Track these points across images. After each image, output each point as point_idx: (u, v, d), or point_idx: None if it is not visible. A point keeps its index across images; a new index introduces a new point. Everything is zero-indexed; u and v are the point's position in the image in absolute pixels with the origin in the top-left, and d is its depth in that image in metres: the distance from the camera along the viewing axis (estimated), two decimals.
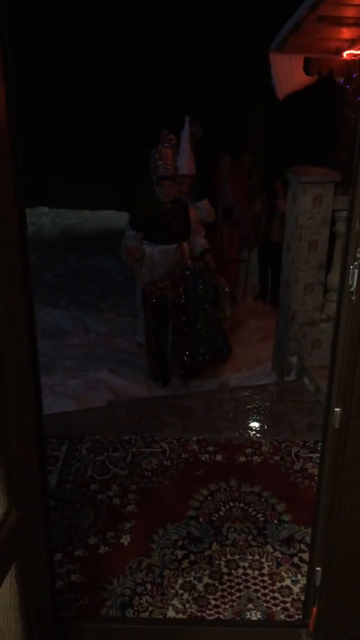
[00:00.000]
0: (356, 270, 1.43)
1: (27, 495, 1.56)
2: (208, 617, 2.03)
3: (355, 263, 1.43)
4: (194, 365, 4.47)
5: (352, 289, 1.44)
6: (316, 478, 2.33)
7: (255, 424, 3.58)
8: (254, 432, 3.43)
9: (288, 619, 2.03)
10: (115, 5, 9.29)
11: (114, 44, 9.86)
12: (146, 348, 4.60)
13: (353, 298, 1.45)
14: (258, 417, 3.70)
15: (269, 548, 2.34)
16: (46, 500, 1.75)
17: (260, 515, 2.53)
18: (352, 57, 4.16)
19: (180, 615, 2.03)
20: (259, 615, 2.04)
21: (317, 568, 1.80)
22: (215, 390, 4.45)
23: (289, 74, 4.15)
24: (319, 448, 2.92)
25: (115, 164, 10.04)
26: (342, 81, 4.78)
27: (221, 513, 2.54)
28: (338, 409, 1.59)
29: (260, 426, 3.55)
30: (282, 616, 2.04)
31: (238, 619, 2.04)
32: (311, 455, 2.93)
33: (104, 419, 3.68)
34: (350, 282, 1.45)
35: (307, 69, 4.09)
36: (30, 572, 1.60)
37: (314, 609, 1.86)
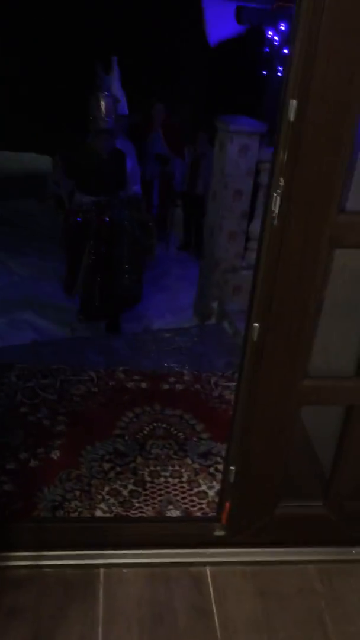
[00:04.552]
0: (278, 197, 1.61)
1: None
2: (132, 516, 2.25)
3: (278, 190, 1.60)
4: (109, 302, 4.44)
5: (274, 214, 1.63)
6: (232, 403, 2.57)
7: (176, 363, 3.77)
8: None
9: (204, 516, 2.28)
10: None
11: None
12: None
13: (275, 222, 1.64)
14: (179, 357, 3.91)
15: (188, 460, 2.59)
16: None
17: (181, 434, 2.76)
18: (281, 7, 4.27)
19: (108, 515, 2.23)
20: (178, 514, 2.29)
21: (231, 467, 2.04)
22: (139, 332, 4.63)
23: (222, 21, 4.21)
24: (235, 377, 3.19)
25: (41, 104, 9.66)
26: (271, 32, 4.89)
27: (145, 432, 2.75)
28: (257, 324, 1.79)
29: (181, 366, 3.75)
30: (198, 514, 2.30)
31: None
32: (228, 384, 3.19)
33: (30, 356, 3.74)
34: (272, 208, 1.63)
35: (239, 17, 4.17)
36: None
37: (227, 504, 2.12)
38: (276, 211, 1.63)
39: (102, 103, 3.88)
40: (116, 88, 4.34)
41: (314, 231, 1.62)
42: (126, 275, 4.30)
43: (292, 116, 1.51)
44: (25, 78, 9.90)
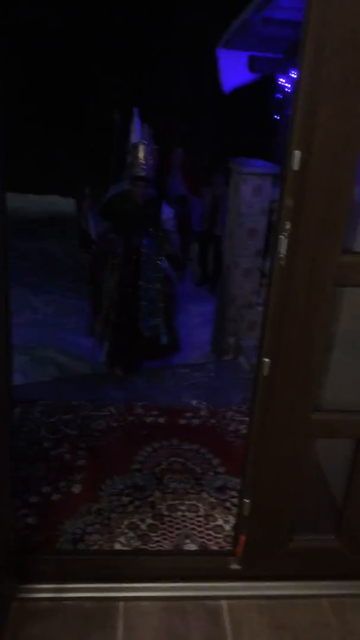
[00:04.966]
0: (285, 240, 1.72)
1: None
2: (150, 550, 2.29)
3: (284, 233, 1.71)
4: (137, 344, 4.23)
5: (281, 255, 1.73)
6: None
7: (193, 398, 3.82)
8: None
9: (220, 549, 2.32)
10: None
11: (64, 28, 9.87)
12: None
13: (282, 263, 1.74)
14: (197, 392, 3.97)
15: (205, 495, 2.63)
16: (8, 451, 1.94)
17: (198, 468, 2.82)
18: (292, 57, 4.50)
19: (127, 549, 2.28)
20: (195, 548, 2.32)
21: (245, 500, 2.09)
22: (157, 367, 4.71)
23: (235, 70, 4.44)
24: None
25: (64, 149, 10.08)
26: (283, 79, 5.09)
27: (163, 466, 2.81)
28: (267, 359, 1.87)
29: (198, 401, 3.79)
30: (214, 548, 2.33)
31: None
32: (244, 419, 3.24)
33: (53, 392, 3.86)
34: (279, 250, 1.74)
35: (252, 67, 4.40)
36: None
37: (242, 537, 2.15)
38: (283, 252, 1.73)
39: (141, 151, 3.92)
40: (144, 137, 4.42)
41: (319, 271, 1.71)
42: (153, 315, 4.10)
43: (296, 165, 1.63)
44: (49, 123, 10.37)
